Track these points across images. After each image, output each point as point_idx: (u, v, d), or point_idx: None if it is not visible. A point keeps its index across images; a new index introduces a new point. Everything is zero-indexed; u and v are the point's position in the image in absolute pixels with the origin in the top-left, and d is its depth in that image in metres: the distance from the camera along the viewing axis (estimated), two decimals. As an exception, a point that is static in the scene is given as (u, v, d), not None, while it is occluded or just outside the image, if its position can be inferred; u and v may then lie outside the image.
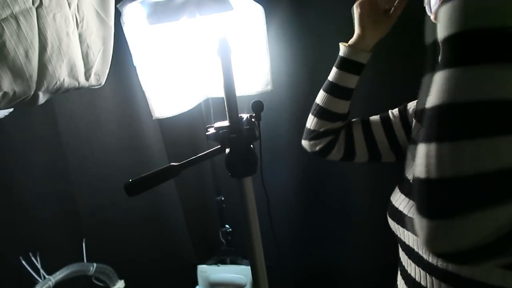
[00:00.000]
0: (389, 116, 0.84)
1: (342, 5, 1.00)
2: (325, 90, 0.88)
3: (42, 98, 0.84)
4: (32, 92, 0.79)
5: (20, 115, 1.08)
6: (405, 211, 0.63)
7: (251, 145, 0.66)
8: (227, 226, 1.51)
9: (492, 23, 0.32)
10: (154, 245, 1.47)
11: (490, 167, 0.32)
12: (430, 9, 0.59)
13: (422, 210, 0.35)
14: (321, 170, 1.40)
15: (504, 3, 0.32)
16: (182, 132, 1.52)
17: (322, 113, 0.87)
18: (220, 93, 0.68)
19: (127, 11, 1.09)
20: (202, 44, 1.26)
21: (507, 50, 0.32)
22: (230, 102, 0.64)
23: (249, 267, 0.72)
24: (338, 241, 1.43)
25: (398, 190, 0.70)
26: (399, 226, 0.64)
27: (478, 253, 0.33)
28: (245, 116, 0.68)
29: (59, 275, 1.11)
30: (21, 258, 1.07)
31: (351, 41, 0.84)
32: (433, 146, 0.35)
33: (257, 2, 1.16)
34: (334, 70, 0.86)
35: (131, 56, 1.15)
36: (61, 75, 0.84)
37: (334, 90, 0.86)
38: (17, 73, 0.74)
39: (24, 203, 1.14)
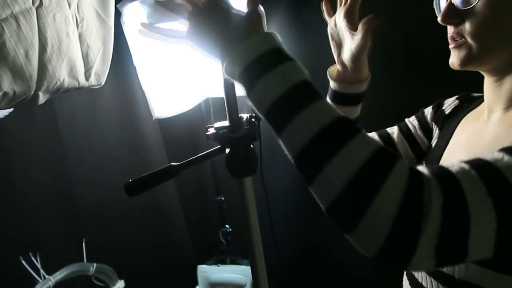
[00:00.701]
0: (408, 126, 0.81)
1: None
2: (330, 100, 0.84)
3: (42, 98, 0.84)
4: (32, 92, 0.79)
5: (20, 115, 1.08)
6: None
7: (251, 145, 0.66)
8: (227, 226, 1.51)
9: None
10: (154, 245, 1.47)
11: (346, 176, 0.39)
12: (440, 10, 0.59)
13: (343, 227, 0.41)
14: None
15: None
16: (182, 132, 1.52)
17: None
18: (220, 93, 0.68)
19: (127, 11, 1.09)
20: (202, 44, 1.26)
21: None
22: (230, 102, 0.64)
23: (249, 267, 0.72)
24: (338, 241, 1.43)
25: None
26: None
27: (394, 245, 0.37)
28: (245, 116, 0.68)
29: (59, 275, 1.11)
30: (21, 258, 1.07)
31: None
32: (312, 186, 0.44)
33: (257, 2, 1.16)
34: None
35: (131, 56, 1.15)
36: (61, 75, 0.84)
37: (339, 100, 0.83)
38: (17, 73, 0.74)
39: (24, 203, 1.14)
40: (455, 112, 0.70)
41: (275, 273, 1.03)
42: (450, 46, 0.56)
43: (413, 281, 0.62)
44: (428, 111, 0.79)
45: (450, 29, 0.55)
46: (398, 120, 1.19)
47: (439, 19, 0.55)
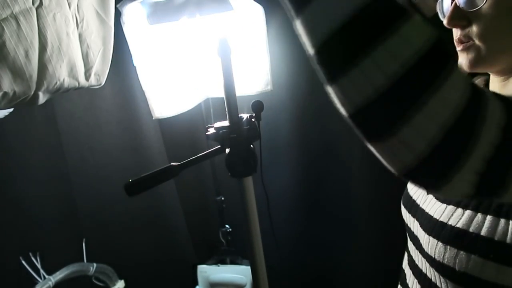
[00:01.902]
0: None
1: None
2: None
3: (42, 98, 0.84)
4: (32, 92, 0.79)
5: (20, 115, 1.08)
6: (418, 201, 0.63)
7: (251, 145, 0.66)
8: (227, 226, 1.51)
9: None
10: (154, 245, 1.47)
11: (392, 68, 0.31)
12: (443, 13, 0.58)
13: (369, 139, 0.35)
14: (321, 170, 1.40)
15: None
16: (182, 132, 1.52)
17: None
18: (220, 93, 0.68)
19: (127, 11, 1.09)
20: (202, 44, 1.26)
21: None
22: (230, 102, 0.64)
23: (249, 267, 0.72)
24: (338, 241, 1.43)
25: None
26: (410, 215, 0.64)
27: (440, 157, 0.32)
28: (245, 116, 0.68)
29: (59, 275, 1.11)
30: (21, 258, 1.07)
31: None
32: (330, 87, 0.35)
33: (257, 2, 1.16)
34: None
35: (131, 56, 1.15)
36: (61, 75, 0.84)
37: None
38: (17, 73, 0.74)
39: (24, 203, 1.14)
40: None
41: (275, 273, 1.03)
42: (458, 49, 0.55)
43: (417, 271, 0.62)
44: None
45: (457, 32, 0.55)
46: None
47: (444, 22, 0.54)
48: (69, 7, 0.85)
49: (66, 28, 0.84)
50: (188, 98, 1.32)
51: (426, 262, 0.58)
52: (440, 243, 0.52)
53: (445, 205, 0.55)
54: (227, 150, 0.65)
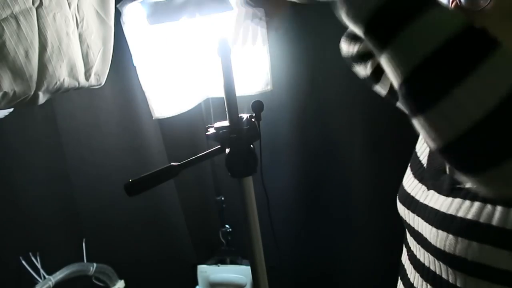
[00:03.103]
0: None
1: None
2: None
3: (42, 98, 0.84)
4: (32, 92, 0.79)
5: (20, 115, 1.08)
6: (417, 197, 0.64)
7: (251, 145, 0.66)
8: (227, 226, 1.51)
9: None
10: (154, 245, 1.47)
11: (490, 101, 0.30)
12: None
13: (468, 170, 0.33)
14: (321, 170, 1.40)
15: None
16: (182, 132, 1.52)
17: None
18: (220, 93, 0.68)
19: (127, 11, 1.09)
20: (202, 44, 1.26)
21: None
22: (230, 102, 0.64)
23: (249, 267, 0.72)
24: (338, 241, 1.43)
25: (412, 174, 0.69)
26: (409, 212, 0.65)
27: None
28: (245, 116, 0.68)
29: (59, 275, 1.11)
30: (21, 258, 1.07)
31: None
32: (424, 116, 0.33)
33: (257, 2, 1.16)
34: None
35: (131, 56, 1.15)
36: (61, 75, 0.84)
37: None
38: (17, 73, 0.74)
39: (24, 203, 1.14)
40: None
41: (275, 273, 1.03)
42: None
43: (418, 265, 0.62)
44: None
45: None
46: (398, 118, 1.19)
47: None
48: (69, 7, 0.85)
49: (66, 28, 0.84)
50: (188, 98, 1.32)
51: (430, 256, 0.58)
52: (450, 236, 0.53)
53: (450, 198, 0.55)
54: (227, 150, 0.65)
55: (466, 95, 0.30)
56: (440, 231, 0.54)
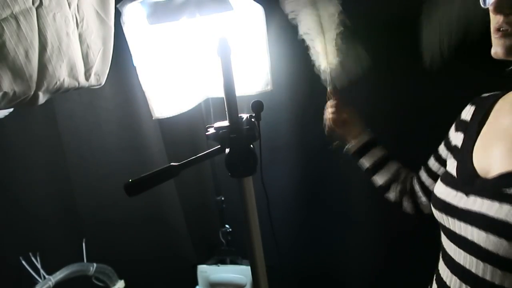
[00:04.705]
0: (440, 155, 0.86)
1: (342, 5, 1.00)
2: (370, 176, 1.03)
3: (42, 98, 0.84)
4: (32, 92, 0.79)
5: (20, 115, 1.08)
6: (455, 203, 0.65)
7: (251, 145, 0.66)
8: (227, 226, 1.51)
9: None
10: (154, 245, 1.47)
11: None
12: (485, 2, 0.61)
13: None
14: (321, 170, 1.40)
15: None
16: (182, 132, 1.52)
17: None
18: (220, 93, 0.68)
19: (127, 11, 1.09)
20: (202, 44, 1.26)
21: None
22: (230, 102, 0.64)
23: (249, 267, 0.72)
24: (338, 241, 1.43)
25: (442, 183, 0.72)
26: (449, 217, 0.66)
27: None
28: (245, 116, 0.68)
29: (59, 275, 1.11)
30: (21, 258, 1.07)
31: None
32: None
33: (257, 2, 1.16)
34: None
35: (131, 56, 1.15)
36: (61, 75, 0.84)
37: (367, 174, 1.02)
38: (17, 73, 0.74)
39: (24, 203, 1.14)
40: (477, 113, 0.74)
41: (275, 273, 1.03)
42: (495, 36, 0.58)
43: (458, 269, 0.64)
44: (451, 129, 0.82)
45: (498, 19, 0.57)
46: (398, 119, 1.19)
47: (490, 8, 0.58)
48: (69, 7, 0.85)
49: (66, 28, 0.84)
50: (188, 98, 1.32)
51: (473, 258, 0.60)
52: (504, 241, 0.54)
53: (497, 203, 0.57)
54: (227, 150, 0.65)
55: None
56: (491, 235, 0.56)
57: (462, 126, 0.77)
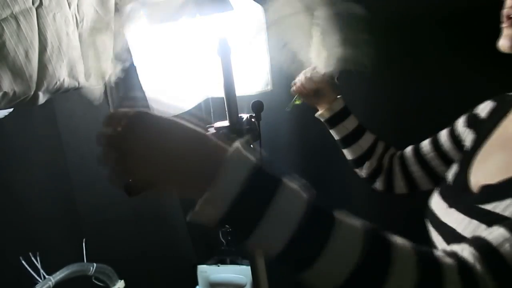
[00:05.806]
0: (439, 139, 0.81)
1: (341, 5, 1.00)
2: (341, 148, 0.96)
3: (42, 98, 0.84)
4: (32, 92, 0.79)
5: (20, 115, 1.08)
6: (437, 213, 0.63)
7: (251, 145, 0.66)
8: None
9: None
10: (154, 245, 1.47)
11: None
12: None
13: None
14: (321, 170, 1.40)
15: None
16: (182, 132, 1.52)
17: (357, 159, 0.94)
18: (220, 93, 0.68)
19: (127, 11, 1.09)
20: (202, 44, 1.26)
21: None
22: (230, 102, 0.64)
23: (249, 267, 0.72)
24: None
25: (438, 191, 0.68)
26: (430, 225, 0.64)
27: None
28: (245, 116, 0.68)
29: (59, 275, 1.11)
30: (21, 258, 1.07)
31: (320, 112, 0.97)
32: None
33: (257, 2, 1.16)
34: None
35: (131, 56, 1.15)
36: (61, 75, 0.84)
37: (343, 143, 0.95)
38: (17, 73, 0.74)
39: (24, 203, 1.14)
40: (495, 113, 0.67)
41: (275, 273, 1.03)
42: (505, 25, 0.54)
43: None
44: (459, 120, 0.77)
45: (510, 3, 0.53)
46: (398, 118, 1.19)
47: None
48: (69, 7, 0.85)
49: (66, 28, 0.84)
50: (188, 98, 1.32)
51: None
52: None
53: (468, 219, 0.53)
54: (227, 150, 0.65)
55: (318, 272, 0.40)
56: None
57: (475, 123, 0.71)
